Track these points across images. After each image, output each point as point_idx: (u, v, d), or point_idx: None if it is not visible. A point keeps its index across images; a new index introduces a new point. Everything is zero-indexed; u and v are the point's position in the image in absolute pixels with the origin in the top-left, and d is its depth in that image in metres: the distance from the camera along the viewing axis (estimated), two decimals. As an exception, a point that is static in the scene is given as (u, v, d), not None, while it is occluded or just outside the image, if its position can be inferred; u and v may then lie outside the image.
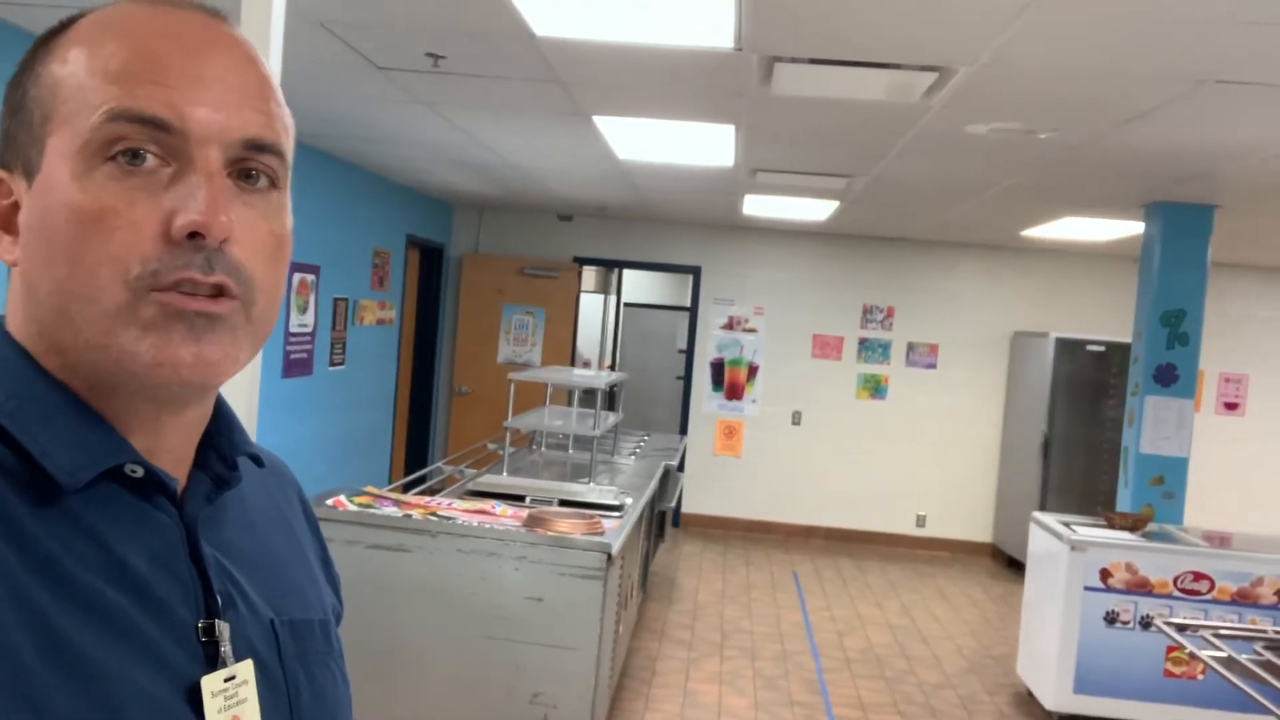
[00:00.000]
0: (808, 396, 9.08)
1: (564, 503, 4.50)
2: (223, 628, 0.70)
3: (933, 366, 9.03)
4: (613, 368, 11.85)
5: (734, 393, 9.16)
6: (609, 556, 3.71)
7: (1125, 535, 5.22)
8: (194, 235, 0.67)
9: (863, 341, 9.05)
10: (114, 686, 0.63)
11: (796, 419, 9.10)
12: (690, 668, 5.53)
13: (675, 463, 6.61)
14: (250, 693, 0.71)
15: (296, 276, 6.11)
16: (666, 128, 4.69)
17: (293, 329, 6.12)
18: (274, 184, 0.73)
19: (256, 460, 0.81)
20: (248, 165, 0.71)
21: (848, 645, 6.16)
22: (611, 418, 6.21)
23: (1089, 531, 5.23)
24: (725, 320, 9.17)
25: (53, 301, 0.68)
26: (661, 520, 6.75)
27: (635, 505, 4.82)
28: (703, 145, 5.05)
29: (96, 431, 0.68)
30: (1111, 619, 5.06)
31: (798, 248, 9.08)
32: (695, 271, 9.20)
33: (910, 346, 9.03)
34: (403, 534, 3.75)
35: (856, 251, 9.04)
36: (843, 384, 9.07)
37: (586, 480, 5.21)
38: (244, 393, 1.99)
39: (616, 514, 4.47)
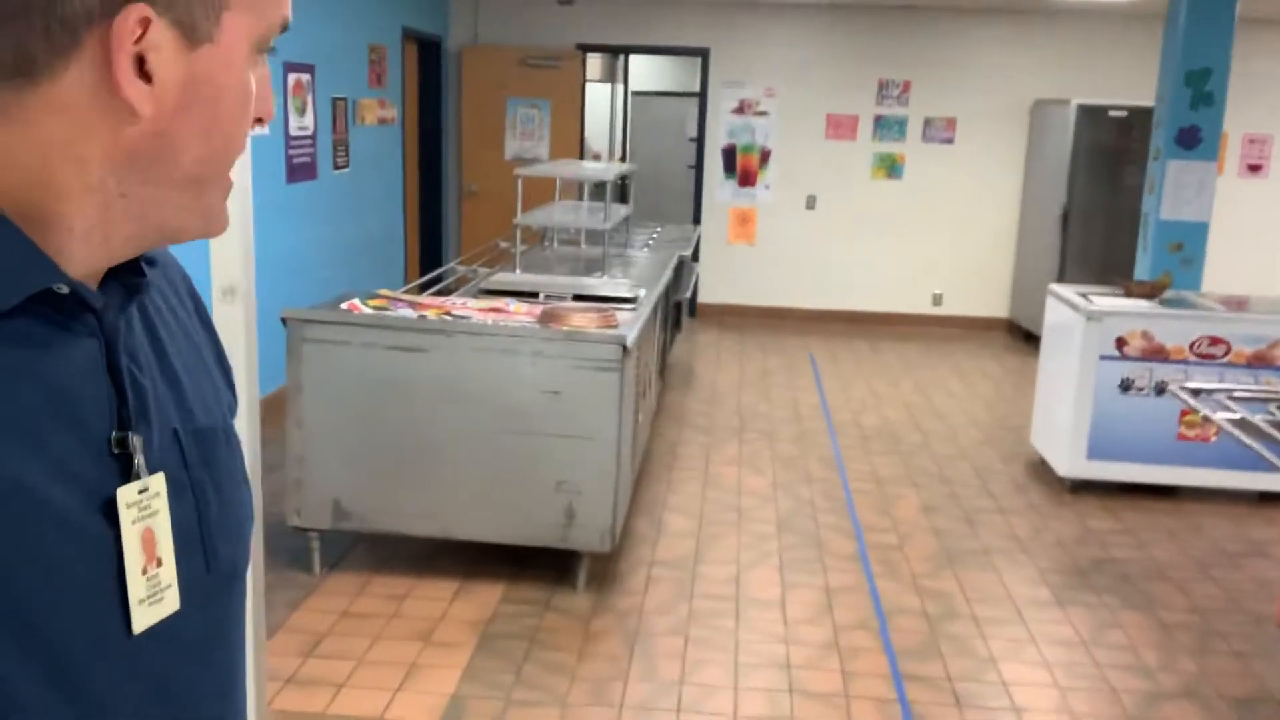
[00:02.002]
0: (822, 179, 8.93)
1: (578, 297, 4.50)
2: (136, 440, 0.70)
3: (950, 141, 8.82)
4: (623, 159, 11.65)
5: (747, 179, 9.01)
6: (624, 348, 3.73)
7: (1142, 303, 5.20)
8: (257, 122, 0.73)
9: (878, 119, 8.81)
10: (26, 502, 0.63)
11: (811, 203, 8.97)
12: (710, 452, 5.66)
13: (689, 253, 6.57)
14: (162, 505, 0.72)
15: (291, 76, 5.93)
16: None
17: (293, 131, 5.98)
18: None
19: (150, 261, 0.78)
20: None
21: (864, 423, 6.28)
22: (622, 210, 6.13)
23: (1106, 301, 5.21)
24: (736, 104, 8.92)
25: (195, 170, 0.70)
26: (678, 310, 6.77)
27: (649, 297, 4.82)
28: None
29: (22, 250, 0.65)
30: (1126, 386, 5.10)
31: (810, 23, 8.72)
32: (704, 54, 8.88)
33: (927, 122, 8.79)
34: (419, 335, 3.77)
35: (870, 24, 8.67)
36: (858, 165, 8.89)
37: (600, 274, 5.19)
38: (238, 203, 1.94)
39: (630, 306, 4.47)
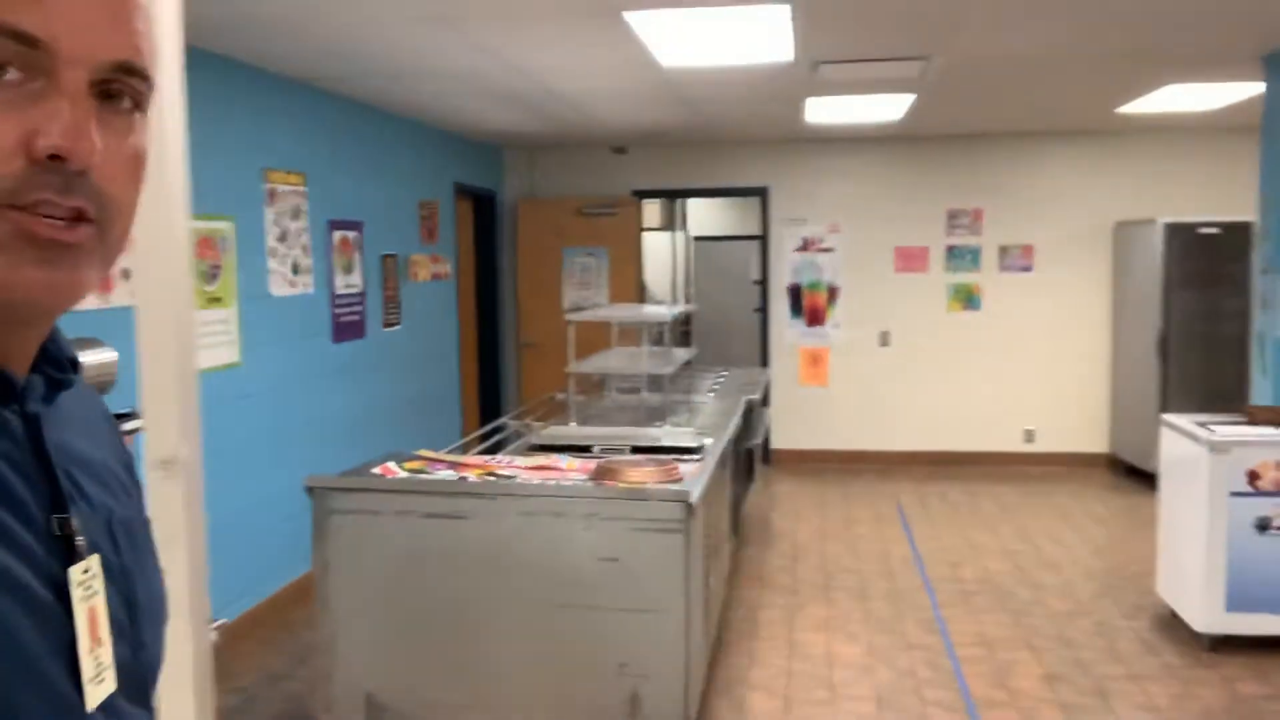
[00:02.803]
0: (895, 315, 8.50)
1: (637, 449, 4.07)
2: (75, 523, 0.71)
3: (1029, 269, 8.37)
4: (686, 304, 11.37)
5: (815, 318, 8.62)
6: (688, 505, 3.27)
7: (1272, 431, 4.62)
8: (55, 157, 0.65)
9: (950, 249, 8.42)
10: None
11: (885, 340, 8.53)
12: (794, 615, 5.09)
13: (758, 396, 6.14)
14: (100, 586, 0.73)
15: (337, 234, 5.74)
16: (710, 18, 4.15)
17: (339, 290, 5.75)
18: (137, 105, 0.72)
19: (74, 364, 0.80)
20: (112, 86, 0.69)
21: (964, 577, 5.67)
22: (683, 354, 5.75)
23: (1229, 430, 4.63)
24: (799, 242, 8.61)
25: None
26: (750, 459, 6.30)
27: (716, 445, 4.37)
28: (754, 36, 4.50)
29: None
30: (1264, 525, 4.48)
31: (871, 156, 8.46)
32: (763, 193, 8.64)
33: (1002, 250, 8.38)
34: (457, 499, 3.36)
35: (936, 153, 8.38)
36: (932, 297, 8.46)
37: (661, 423, 4.77)
38: (176, 352, 1.58)
39: (696, 457, 4.02)
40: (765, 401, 8.08)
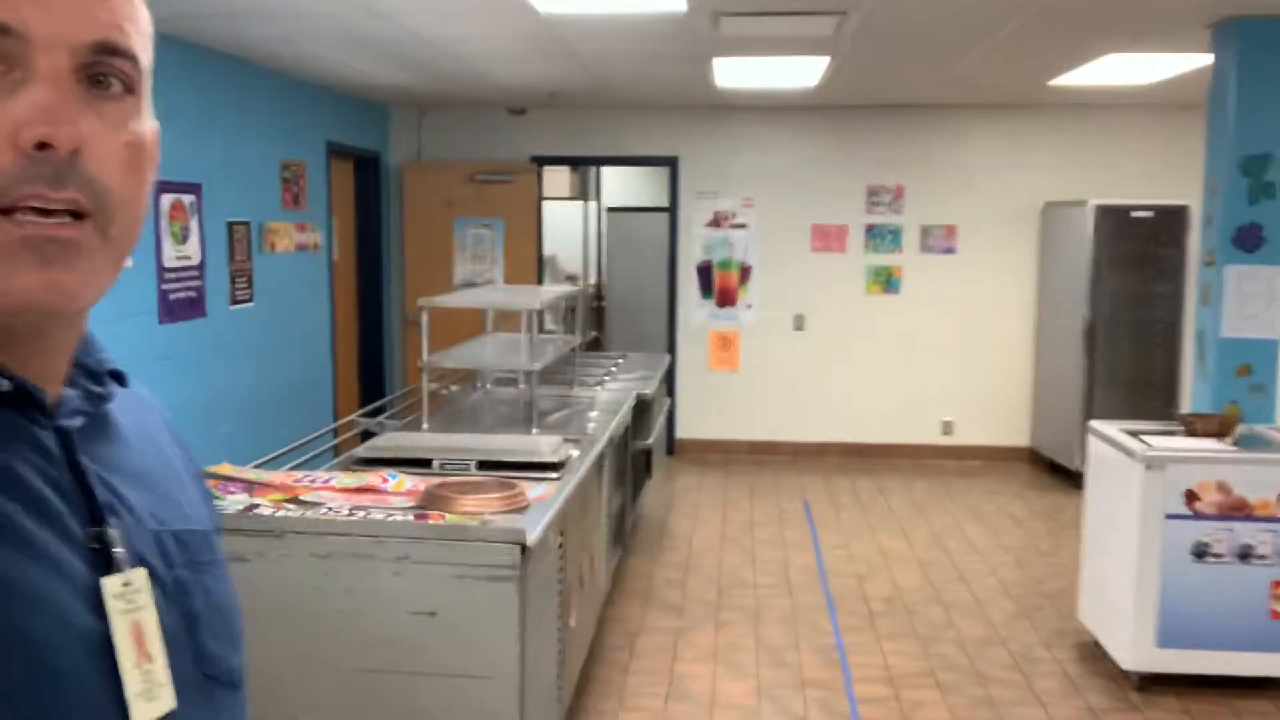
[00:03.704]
0: (810, 297, 7.95)
1: (485, 465, 3.43)
2: (114, 534, 0.70)
3: (951, 251, 7.86)
4: (598, 281, 10.73)
5: (726, 299, 8.03)
6: (524, 549, 2.65)
7: (1211, 444, 4.13)
8: (42, 146, 0.63)
9: (869, 229, 7.87)
10: (20, 595, 0.63)
11: (799, 323, 7.97)
12: (679, 641, 4.51)
13: (652, 390, 5.53)
14: (147, 600, 0.70)
15: (166, 198, 4.98)
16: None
17: (169, 263, 5.00)
18: (129, 89, 0.70)
19: (119, 377, 0.79)
20: (98, 70, 0.67)
21: (870, 593, 5.14)
22: (567, 341, 5.12)
23: (1165, 443, 4.13)
24: (710, 216, 8.00)
25: None
26: (644, 460, 5.69)
27: (587, 455, 3.75)
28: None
29: None
30: (1201, 552, 3.99)
31: (787, 126, 7.86)
32: (671, 163, 8.00)
33: (925, 230, 7.85)
34: (236, 537, 2.69)
35: (856, 125, 7.80)
36: (850, 279, 7.91)
37: (528, 427, 4.13)
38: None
39: (554, 476, 3.39)
40: (670, 390, 7.49)
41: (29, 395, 0.69)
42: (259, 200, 5.95)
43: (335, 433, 4.86)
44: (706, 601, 4.99)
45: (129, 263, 0.66)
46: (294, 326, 6.42)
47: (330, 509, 2.87)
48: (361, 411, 4.71)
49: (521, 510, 2.93)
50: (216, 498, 2.97)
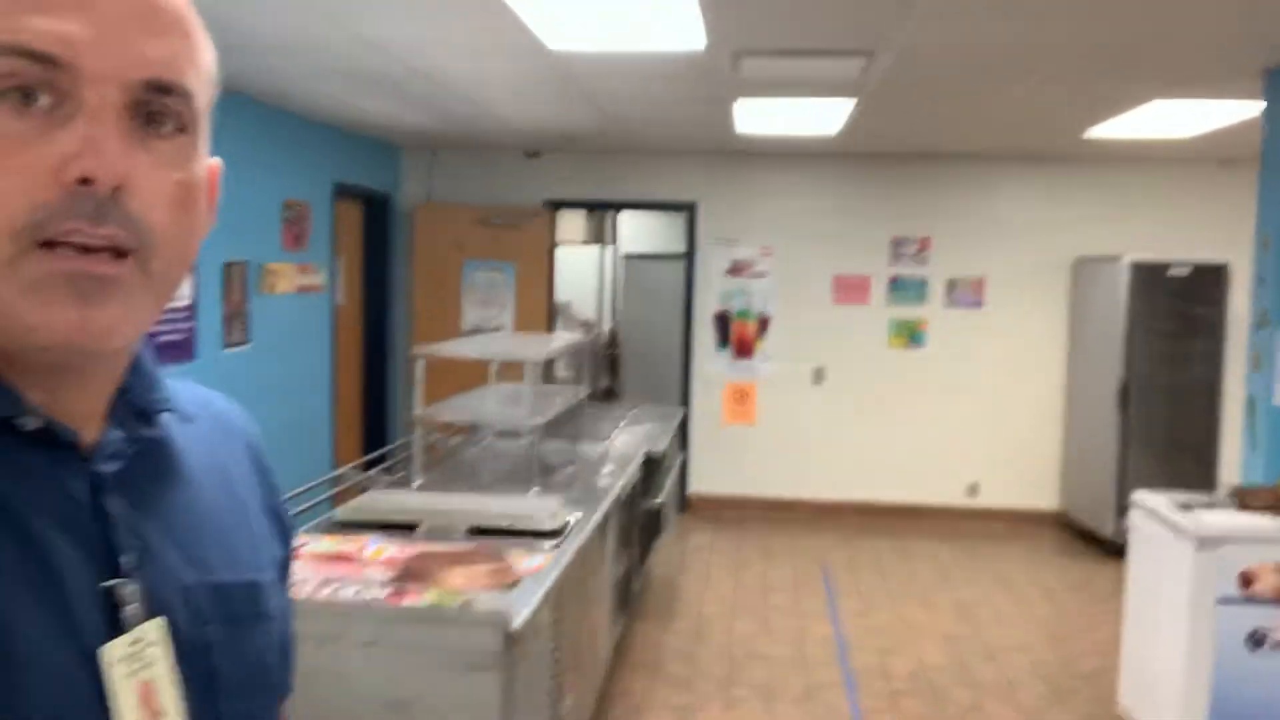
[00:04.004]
0: (831, 349, 7.66)
1: (477, 531, 3.14)
2: (128, 589, 0.67)
3: (979, 305, 7.57)
4: (613, 329, 10.49)
5: (743, 350, 7.75)
6: (508, 635, 2.35)
7: (1267, 521, 3.80)
8: (85, 182, 0.63)
9: (893, 280, 7.59)
10: (10, 649, 0.61)
11: (819, 377, 7.68)
12: (686, 721, 4.18)
13: (664, 444, 5.24)
14: (160, 655, 0.68)
15: (158, 236, 4.74)
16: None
17: (158, 304, 4.76)
18: (182, 128, 0.69)
19: (182, 414, 0.77)
20: (151, 108, 0.66)
21: (893, 670, 4.79)
22: (573, 393, 4.84)
23: (1216, 520, 3.80)
24: (729, 264, 7.74)
25: None
26: (655, 518, 5.39)
27: (590, 518, 3.46)
28: (656, 17, 3.62)
29: None
30: (1259, 641, 3.65)
31: (810, 173, 7.62)
32: (690, 209, 7.76)
33: (951, 284, 7.57)
34: (188, 613, 2.40)
35: (881, 173, 7.56)
36: (872, 332, 7.63)
37: (528, 487, 3.84)
38: None
39: (553, 543, 3.10)
40: (683, 443, 7.19)
41: (59, 437, 0.67)
42: (259, 240, 5.73)
43: (332, 483, 4.58)
44: (716, 676, 4.65)
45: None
46: (293, 371, 6.17)
47: (295, 584, 2.58)
48: (353, 465, 4.43)
49: (511, 586, 2.64)
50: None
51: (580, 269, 9.98)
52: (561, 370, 8.32)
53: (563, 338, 5.44)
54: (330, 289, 6.66)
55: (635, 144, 7.25)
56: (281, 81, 5.05)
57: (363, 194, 7.24)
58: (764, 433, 7.73)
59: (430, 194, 7.82)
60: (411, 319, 7.73)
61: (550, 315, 7.84)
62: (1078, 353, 7.42)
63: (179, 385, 0.82)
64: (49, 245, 0.63)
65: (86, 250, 0.64)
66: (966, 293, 7.57)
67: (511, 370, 5.28)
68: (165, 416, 0.77)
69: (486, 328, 7.62)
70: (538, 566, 2.84)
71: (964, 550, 6.92)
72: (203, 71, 0.72)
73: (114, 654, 0.65)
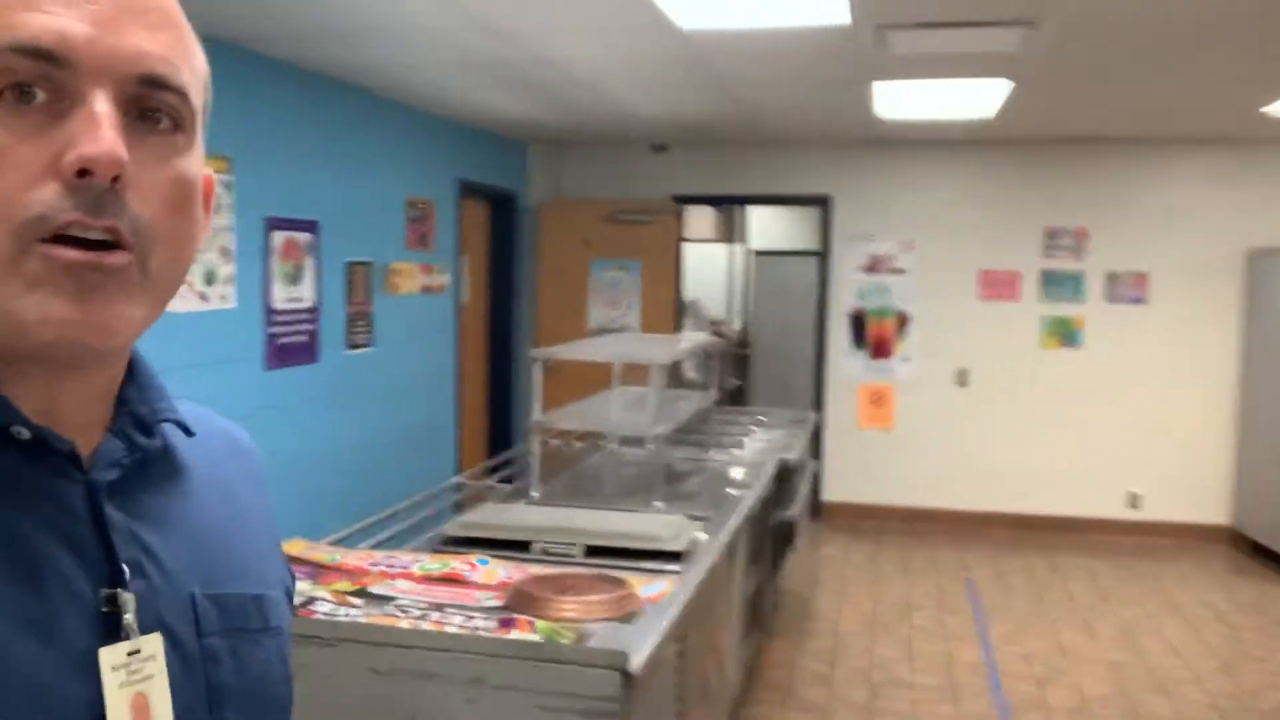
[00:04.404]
0: (976, 350, 7.19)
1: (595, 550, 2.90)
2: (126, 598, 0.67)
3: (1141, 301, 7.00)
4: (743, 328, 10.18)
5: (881, 350, 7.35)
6: (626, 677, 2.09)
7: None
8: (83, 173, 0.63)
9: (1047, 275, 7.07)
10: (2, 657, 0.60)
11: (963, 379, 7.22)
12: (823, 754, 3.86)
13: (798, 451, 4.91)
14: (157, 669, 0.68)
15: (278, 236, 4.66)
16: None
17: (278, 305, 4.68)
18: (177, 125, 0.69)
19: (184, 427, 0.77)
20: (146, 104, 0.67)
21: (1050, 702, 4.37)
22: (699, 398, 4.57)
23: None
24: (865, 260, 7.35)
25: None
26: (788, 531, 5.07)
27: (718, 537, 3.18)
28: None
29: None
30: None
31: (955, 161, 7.16)
32: (824, 203, 7.39)
33: (1111, 277, 7.01)
34: (282, 641, 2.22)
35: (1034, 160, 7.05)
36: (1022, 331, 7.13)
37: (649, 500, 3.58)
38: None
39: (676, 565, 2.83)
40: (816, 449, 6.85)
41: (52, 445, 0.67)
42: (382, 240, 5.63)
43: (454, 490, 4.41)
44: (855, 703, 4.31)
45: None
46: (416, 373, 6.06)
47: (400, 606, 2.38)
48: (473, 471, 4.25)
49: (631, 617, 2.38)
50: (276, 584, 2.52)
51: (709, 266, 9.71)
52: (689, 371, 8.06)
53: (690, 339, 5.17)
54: (454, 289, 6.53)
55: (766, 135, 6.93)
56: (403, 75, 4.91)
57: (488, 192, 7.10)
58: (902, 438, 7.31)
59: (556, 191, 7.65)
60: (536, 319, 7.57)
61: (678, 314, 7.58)
62: (1253, 353, 6.78)
63: (185, 405, 0.80)
64: (50, 241, 0.63)
65: (87, 243, 0.63)
66: (1128, 288, 7.01)
67: (638, 372, 5.03)
68: (167, 428, 0.76)
69: (613, 327, 7.41)
70: (661, 594, 2.57)
71: (1124, 568, 6.38)
72: (197, 72, 0.71)
73: (110, 660, 0.65)
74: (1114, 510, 7.10)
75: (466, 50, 4.27)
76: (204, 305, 4.17)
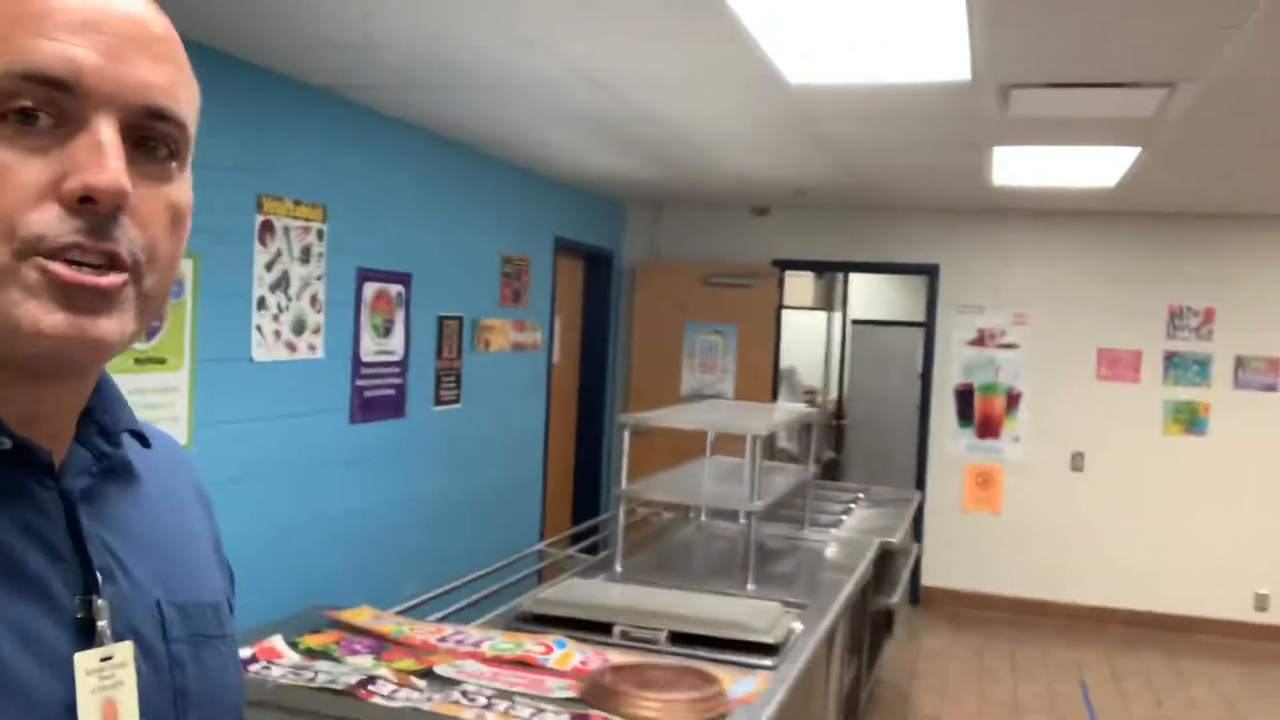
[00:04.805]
0: (1093, 432, 6.77)
1: (680, 637, 2.65)
2: (100, 605, 0.68)
3: (1273, 389, 6.52)
4: (840, 398, 9.87)
5: (988, 429, 6.97)
6: (712, 794, 1.84)
7: None
8: (85, 200, 0.64)
9: (1170, 357, 6.65)
10: None
11: (1078, 463, 6.80)
12: None
13: (900, 535, 4.60)
14: (128, 675, 0.69)
15: (371, 288, 4.57)
16: (850, 18, 2.80)
17: (367, 357, 4.57)
18: (173, 155, 0.71)
19: (141, 438, 0.79)
20: (146, 134, 0.68)
21: (1180, 829, 3.94)
22: (797, 473, 4.31)
23: None
24: (974, 334, 7.01)
25: None
26: (887, 619, 4.74)
27: (815, 628, 2.91)
28: (917, 42, 3.10)
29: None
30: None
31: (1073, 232, 6.82)
32: (931, 271, 7.10)
33: (1240, 362, 6.56)
34: (334, 726, 2.02)
35: (1158, 234, 6.67)
36: (1143, 415, 6.69)
37: (740, 586, 3.33)
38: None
39: (769, 663, 2.57)
40: (917, 534, 6.49)
41: (31, 455, 0.68)
42: (475, 294, 5.51)
43: (537, 558, 4.21)
44: (959, 816, 3.94)
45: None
46: (504, 432, 5.90)
47: (466, 693, 2.16)
48: (556, 539, 4.05)
49: (719, 719, 2.13)
50: (335, 658, 2.34)
51: (807, 334, 9.44)
52: (783, 441, 7.78)
53: (787, 409, 4.92)
54: (546, 347, 6.39)
55: (873, 200, 6.69)
56: (501, 130, 4.82)
57: (584, 250, 6.99)
58: (1010, 523, 6.90)
59: (653, 251, 7.51)
60: (628, 381, 7.39)
61: (774, 382, 7.32)
62: (1402, 448, 6.24)
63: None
64: (48, 257, 0.64)
65: (86, 265, 0.64)
66: (1258, 373, 6.54)
67: (732, 441, 4.79)
68: (125, 438, 0.78)
69: (706, 393, 7.19)
70: (752, 694, 2.31)
71: (1253, 674, 5.86)
72: (194, 103, 0.73)
73: (84, 665, 0.66)
74: (1239, 612, 6.56)
75: (566, 102, 4.14)
76: (292, 355, 4.07)
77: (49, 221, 0.63)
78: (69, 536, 0.69)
